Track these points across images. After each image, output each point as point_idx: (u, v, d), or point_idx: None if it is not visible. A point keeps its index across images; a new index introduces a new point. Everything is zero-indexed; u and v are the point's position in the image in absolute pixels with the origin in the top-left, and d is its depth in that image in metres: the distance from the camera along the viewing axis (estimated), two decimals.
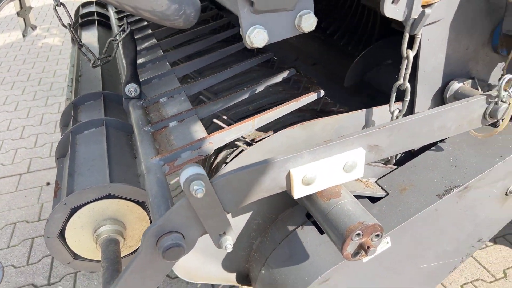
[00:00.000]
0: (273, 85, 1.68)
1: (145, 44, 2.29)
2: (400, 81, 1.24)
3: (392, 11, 1.12)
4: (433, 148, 1.44)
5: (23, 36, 3.95)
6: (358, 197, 1.36)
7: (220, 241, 1.09)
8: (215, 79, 1.75)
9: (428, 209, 1.27)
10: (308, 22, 1.20)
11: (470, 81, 1.37)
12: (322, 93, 1.45)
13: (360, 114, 1.36)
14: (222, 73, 1.75)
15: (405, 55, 1.19)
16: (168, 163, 1.26)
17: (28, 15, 3.17)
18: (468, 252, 1.51)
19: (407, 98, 1.27)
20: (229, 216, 1.36)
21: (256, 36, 1.15)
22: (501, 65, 1.42)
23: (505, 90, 1.20)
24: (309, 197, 1.15)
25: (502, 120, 1.25)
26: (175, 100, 1.69)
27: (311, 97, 1.43)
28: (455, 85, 1.34)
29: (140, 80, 1.82)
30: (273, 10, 1.16)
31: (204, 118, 1.57)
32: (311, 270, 1.23)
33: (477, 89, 1.37)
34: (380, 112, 1.36)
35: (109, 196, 1.33)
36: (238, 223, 1.39)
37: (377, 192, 1.35)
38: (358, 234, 1.01)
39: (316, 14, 1.11)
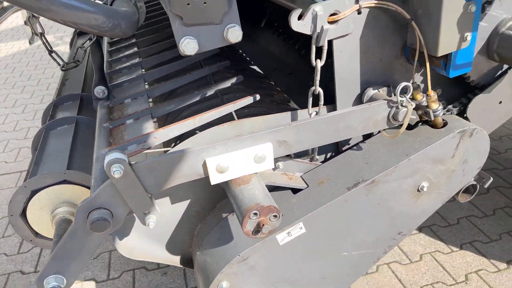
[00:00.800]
0: (227, 88, 1.89)
1: (126, 52, 2.53)
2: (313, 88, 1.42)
3: (299, 26, 1.31)
4: (354, 147, 1.60)
5: (30, 43, 4.26)
6: (281, 188, 1.54)
7: (144, 219, 1.28)
8: (176, 84, 1.97)
9: (338, 199, 1.43)
10: (235, 34, 1.40)
11: (385, 88, 1.54)
12: (257, 97, 1.64)
13: (286, 115, 1.54)
14: (182, 78, 1.96)
15: (314, 64, 1.37)
16: None
17: (35, 24, 3.47)
18: (390, 244, 1.66)
19: (321, 102, 1.45)
20: (168, 202, 1.56)
21: (187, 46, 1.36)
22: (417, 74, 1.58)
23: (403, 96, 1.37)
24: (226, 184, 1.34)
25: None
26: (138, 101, 1.90)
27: (247, 100, 1.62)
28: (370, 92, 1.51)
29: (113, 83, 2.05)
30: (202, 24, 1.37)
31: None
32: (232, 250, 1.41)
33: (391, 95, 1.54)
34: (304, 114, 1.54)
35: (65, 182, 1.54)
36: (178, 209, 1.58)
37: (299, 184, 1.53)
38: (255, 213, 1.19)
39: None
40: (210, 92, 1.85)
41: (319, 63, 1.37)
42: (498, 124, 1.74)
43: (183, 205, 1.58)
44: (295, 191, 1.54)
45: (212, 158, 1.26)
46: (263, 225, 1.18)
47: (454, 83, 1.64)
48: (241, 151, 1.28)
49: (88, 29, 1.24)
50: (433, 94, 1.45)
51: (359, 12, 1.38)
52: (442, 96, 1.68)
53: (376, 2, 1.37)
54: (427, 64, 1.39)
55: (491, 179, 1.80)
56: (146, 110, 1.75)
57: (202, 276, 1.44)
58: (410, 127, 1.58)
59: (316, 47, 1.34)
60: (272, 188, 1.54)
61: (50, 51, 1.84)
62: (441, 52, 1.32)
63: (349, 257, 1.59)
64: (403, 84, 1.36)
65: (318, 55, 1.37)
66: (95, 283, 2.79)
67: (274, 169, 1.54)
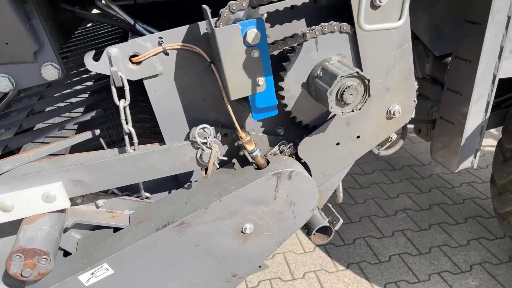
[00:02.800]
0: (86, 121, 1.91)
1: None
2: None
3: (96, 67, 1.33)
4: (186, 185, 1.58)
5: None
6: (100, 226, 1.53)
7: None
8: (45, 117, 2.01)
9: (145, 240, 1.41)
10: (49, 73, 1.43)
11: (212, 128, 1.52)
12: (97, 132, 1.65)
13: (107, 152, 1.53)
14: (50, 112, 2.01)
15: (117, 104, 1.38)
16: None
17: None
18: (226, 286, 1.61)
19: (135, 141, 1.44)
20: None
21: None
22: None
23: (205, 138, 1.36)
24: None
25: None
26: (5, 132, 1.94)
27: (85, 135, 1.63)
28: (194, 131, 1.49)
29: None
30: (14, 62, 1.40)
31: None
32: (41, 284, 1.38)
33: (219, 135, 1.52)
34: (121, 151, 1.52)
35: None
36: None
37: (119, 223, 1.51)
38: (19, 256, 1.18)
39: None
40: (69, 125, 1.87)
41: (121, 103, 1.38)
42: (344, 165, 1.69)
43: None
44: (117, 229, 1.52)
45: None
46: (32, 267, 1.17)
47: (295, 123, 1.62)
48: (28, 190, 1.28)
49: None
50: (244, 136, 1.43)
51: (166, 54, 1.39)
52: (284, 136, 1.66)
53: (180, 44, 1.38)
54: (228, 106, 1.38)
55: (341, 221, 1.74)
56: (2, 142, 1.79)
57: None
58: None
59: (117, 87, 1.35)
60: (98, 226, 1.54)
61: None
62: (233, 96, 1.31)
63: None
64: (201, 126, 1.35)
65: (122, 96, 1.38)
66: None
67: (98, 207, 1.53)
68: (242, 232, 1.51)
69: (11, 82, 1.44)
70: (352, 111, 1.38)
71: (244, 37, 1.23)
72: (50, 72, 1.45)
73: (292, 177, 1.47)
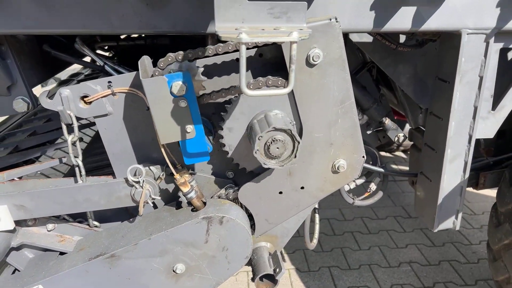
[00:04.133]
0: None
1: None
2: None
3: (49, 104, 1.47)
4: (131, 219, 1.66)
5: None
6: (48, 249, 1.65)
7: None
8: (36, 140, 2.22)
9: (78, 268, 1.50)
10: (19, 105, 1.61)
11: (158, 166, 1.60)
12: (64, 160, 1.80)
13: (62, 180, 1.66)
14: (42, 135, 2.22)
15: (66, 138, 1.51)
16: None
17: None
18: None
19: (83, 173, 1.56)
20: None
21: None
22: None
23: (137, 177, 1.44)
24: None
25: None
26: (1, 151, 2.17)
27: (53, 162, 1.79)
28: (138, 168, 1.58)
29: None
30: None
31: None
32: None
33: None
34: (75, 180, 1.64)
35: None
36: None
37: (65, 248, 1.62)
38: None
39: None
40: (50, 150, 2.05)
41: (70, 138, 1.51)
42: (290, 214, 1.68)
43: None
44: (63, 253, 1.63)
45: None
46: None
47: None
48: None
49: None
50: (179, 177, 1.49)
51: (114, 95, 1.51)
52: (235, 179, 1.69)
53: (127, 88, 1.49)
54: (162, 149, 1.45)
55: (283, 271, 1.72)
56: None
57: None
58: None
59: (67, 124, 1.49)
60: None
61: None
62: (162, 140, 1.38)
63: None
64: (133, 166, 1.43)
65: (70, 130, 1.51)
66: None
67: (48, 230, 1.65)
68: (173, 271, 1.55)
69: None
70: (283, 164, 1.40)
71: (171, 88, 1.31)
72: (20, 105, 1.63)
73: (223, 223, 1.50)
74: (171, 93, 1.32)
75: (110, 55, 2.42)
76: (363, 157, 1.60)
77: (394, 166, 5.10)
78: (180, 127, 1.37)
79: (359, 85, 2.27)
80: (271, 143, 1.35)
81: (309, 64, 1.40)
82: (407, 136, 2.38)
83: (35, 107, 1.67)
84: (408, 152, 3.51)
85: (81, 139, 1.63)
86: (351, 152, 1.58)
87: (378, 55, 1.98)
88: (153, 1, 1.40)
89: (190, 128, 1.37)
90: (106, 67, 1.74)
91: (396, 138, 2.31)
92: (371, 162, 2.22)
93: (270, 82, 1.40)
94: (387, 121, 2.30)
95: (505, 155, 2.30)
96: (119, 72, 1.75)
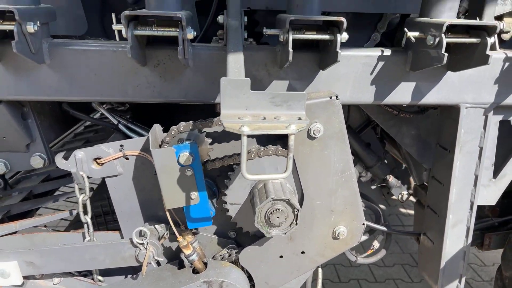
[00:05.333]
0: None
1: None
2: None
3: (64, 165, 1.56)
4: (134, 275, 1.70)
5: None
6: None
7: None
8: (51, 185, 2.31)
9: None
10: (36, 162, 1.71)
11: (163, 225, 1.66)
12: (74, 212, 1.87)
13: (71, 235, 1.72)
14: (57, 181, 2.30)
15: (78, 197, 1.58)
16: None
17: None
18: None
19: (91, 230, 1.62)
20: None
21: None
22: None
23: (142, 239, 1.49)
24: None
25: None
26: (16, 196, 2.26)
27: (63, 214, 1.86)
28: (145, 231, 1.63)
29: None
30: (9, 151, 1.70)
31: None
32: None
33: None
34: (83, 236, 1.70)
35: None
36: None
37: None
38: None
39: None
40: (61, 199, 2.13)
41: (82, 197, 1.58)
42: (291, 278, 1.69)
43: None
44: None
45: None
46: None
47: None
48: None
49: None
50: (182, 240, 1.54)
51: (126, 158, 1.59)
52: (237, 239, 1.73)
53: (138, 152, 1.57)
54: (167, 213, 1.51)
55: None
56: (5, 207, 2.09)
57: None
58: None
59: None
60: None
61: None
62: (168, 206, 1.44)
63: None
64: (139, 228, 1.49)
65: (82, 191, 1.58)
66: None
67: (54, 284, 1.70)
68: None
69: (6, 166, 1.73)
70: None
71: (178, 158, 1.38)
72: (37, 161, 1.72)
73: (223, 287, 1.52)
74: (178, 162, 1.39)
75: (125, 108, 2.54)
76: (363, 224, 1.63)
77: (401, 209, 5.05)
78: (185, 194, 1.43)
79: (363, 143, 2.32)
80: (271, 213, 1.40)
81: (310, 137, 1.46)
82: (411, 193, 2.41)
83: (51, 163, 1.76)
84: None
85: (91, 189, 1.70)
86: (351, 219, 1.61)
87: (382, 117, 2.03)
88: (167, 74, 1.50)
89: (194, 195, 1.43)
90: (120, 126, 1.84)
91: (400, 196, 2.33)
92: (374, 219, 2.24)
93: (270, 152, 1.46)
94: (391, 179, 2.33)
95: (510, 216, 2.29)
96: (132, 130, 1.84)
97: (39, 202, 2.12)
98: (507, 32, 1.95)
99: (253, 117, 1.11)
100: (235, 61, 1.23)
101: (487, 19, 1.60)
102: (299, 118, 1.11)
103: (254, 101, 1.11)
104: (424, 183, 2.47)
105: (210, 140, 1.48)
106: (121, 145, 1.58)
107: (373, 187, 2.49)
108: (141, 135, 1.86)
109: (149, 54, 1.47)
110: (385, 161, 2.38)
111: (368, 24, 1.92)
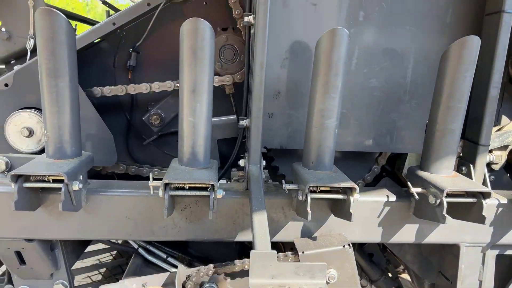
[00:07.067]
0: None
1: None
2: None
3: None
4: None
5: None
6: None
7: None
8: None
9: None
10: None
11: None
12: None
13: None
14: None
15: None
16: None
17: None
18: None
19: None
20: None
21: None
22: None
23: None
24: None
25: None
26: None
27: None
28: None
29: None
30: (35, 278, 1.77)
31: None
32: None
33: None
34: None
35: None
36: None
37: None
38: None
39: None
40: None
41: None
42: None
43: None
44: None
45: None
46: None
47: None
48: None
49: None
50: None
51: None
52: None
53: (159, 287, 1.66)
54: None
55: None
56: None
57: None
58: None
59: None
60: None
61: None
62: None
63: None
64: None
65: None
66: None
67: None
68: None
69: None
70: None
71: None
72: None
73: None
74: None
75: None
76: None
77: None
78: None
79: (366, 255, 2.43)
80: None
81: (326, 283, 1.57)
82: None
83: None
84: None
85: None
86: None
87: None
88: (192, 216, 1.63)
89: None
90: (140, 249, 1.94)
91: None
92: None
93: None
94: None
95: None
96: (151, 253, 1.94)
97: None
98: (496, 163, 2.16)
99: (279, 287, 1.22)
100: (260, 224, 1.36)
101: (479, 166, 1.80)
102: None
103: (280, 271, 1.23)
104: None
105: (229, 279, 1.58)
106: (144, 284, 1.67)
107: None
108: (160, 257, 1.95)
109: (177, 199, 1.61)
110: (389, 272, 2.47)
111: (369, 158, 2.10)
